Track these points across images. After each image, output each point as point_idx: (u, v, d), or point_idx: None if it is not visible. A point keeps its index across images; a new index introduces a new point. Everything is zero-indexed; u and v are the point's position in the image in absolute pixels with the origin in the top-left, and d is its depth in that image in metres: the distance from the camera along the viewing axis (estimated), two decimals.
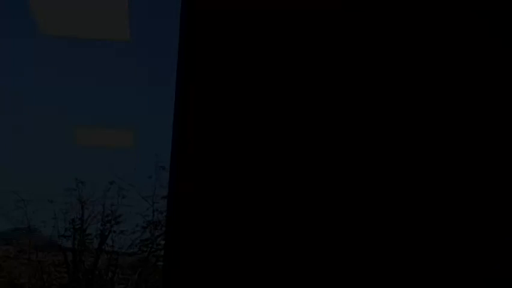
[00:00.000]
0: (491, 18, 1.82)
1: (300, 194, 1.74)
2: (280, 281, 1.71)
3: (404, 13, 1.80)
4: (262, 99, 1.76)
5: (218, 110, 1.75)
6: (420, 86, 1.79)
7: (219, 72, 1.76)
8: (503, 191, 1.76)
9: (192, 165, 1.73)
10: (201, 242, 1.71)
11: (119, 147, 10.74)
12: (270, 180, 1.74)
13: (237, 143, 1.75)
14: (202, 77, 1.76)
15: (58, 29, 5.87)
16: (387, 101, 1.78)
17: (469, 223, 1.75)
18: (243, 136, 1.75)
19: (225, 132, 1.75)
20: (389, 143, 1.76)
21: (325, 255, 1.72)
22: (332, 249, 1.72)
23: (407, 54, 1.79)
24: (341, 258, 1.72)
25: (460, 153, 1.77)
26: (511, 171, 1.77)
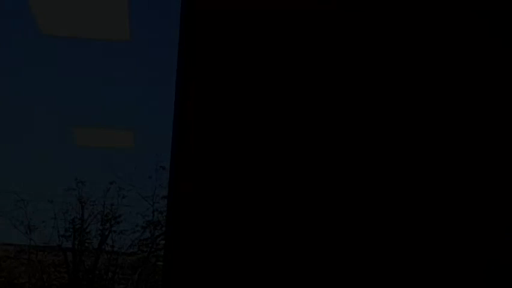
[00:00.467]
0: (491, 18, 1.82)
1: (300, 194, 1.74)
2: (280, 281, 1.71)
3: (401, 13, 1.80)
4: (262, 99, 1.76)
5: (218, 110, 1.75)
6: (419, 86, 1.79)
7: (219, 72, 1.77)
8: (503, 191, 1.76)
9: (192, 165, 1.73)
10: (201, 242, 1.71)
11: (119, 147, 10.73)
12: (270, 180, 1.74)
13: (237, 143, 1.75)
14: (202, 77, 1.76)
15: (58, 29, 5.87)
16: (385, 101, 1.78)
17: (469, 223, 1.75)
18: (243, 136, 1.75)
19: (225, 132, 1.75)
20: (387, 143, 1.77)
21: (325, 255, 1.72)
22: (331, 249, 1.73)
23: (405, 54, 1.80)
24: (340, 258, 1.72)
25: (460, 153, 1.77)
26: (511, 171, 1.77)
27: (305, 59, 1.78)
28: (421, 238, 1.73)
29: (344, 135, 1.76)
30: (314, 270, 1.72)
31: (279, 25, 1.79)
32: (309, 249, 1.72)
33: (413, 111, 1.78)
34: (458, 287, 1.72)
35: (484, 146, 1.78)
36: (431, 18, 1.81)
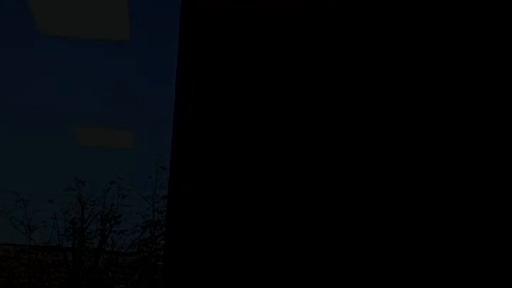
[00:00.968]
0: (491, 18, 1.82)
1: (300, 194, 1.74)
2: (280, 281, 1.71)
3: (401, 13, 1.80)
4: (262, 99, 1.76)
5: (218, 110, 1.75)
6: (419, 86, 1.79)
7: (219, 72, 1.77)
8: (503, 191, 1.76)
9: (192, 165, 1.73)
10: (200, 242, 1.71)
11: (119, 147, 10.73)
12: (270, 180, 1.74)
13: (237, 143, 1.75)
14: (202, 77, 1.76)
15: (58, 29, 5.87)
16: (385, 101, 1.78)
17: (469, 223, 1.75)
18: (243, 136, 1.75)
19: (225, 132, 1.75)
20: (387, 143, 1.77)
21: (325, 255, 1.72)
22: (331, 249, 1.73)
23: (405, 54, 1.80)
24: (340, 258, 1.72)
25: (460, 153, 1.77)
26: (511, 171, 1.77)
27: (305, 59, 1.78)
28: (421, 238, 1.73)
29: (344, 135, 1.76)
30: (314, 270, 1.72)
31: (279, 25, 1.79)
32: (309, 249, 1.72)
33: (413, 111, 1.78)
34: (458, 287, 1.72)
35: (484, 146, 1.78)
36: (431, 18, 1.81)
